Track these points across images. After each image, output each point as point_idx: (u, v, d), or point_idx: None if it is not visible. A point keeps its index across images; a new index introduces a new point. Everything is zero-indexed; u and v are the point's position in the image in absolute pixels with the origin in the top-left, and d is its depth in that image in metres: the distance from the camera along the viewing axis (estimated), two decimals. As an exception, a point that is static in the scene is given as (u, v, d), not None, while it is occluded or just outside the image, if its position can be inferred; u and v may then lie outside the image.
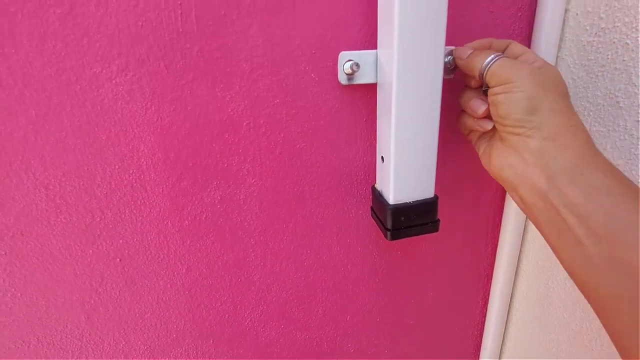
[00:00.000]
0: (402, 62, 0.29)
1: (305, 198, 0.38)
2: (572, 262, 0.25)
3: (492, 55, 0.28)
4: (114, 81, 0.30)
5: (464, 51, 0.31)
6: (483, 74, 0.29)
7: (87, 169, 0.32)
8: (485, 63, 0.28)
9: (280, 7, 0.31)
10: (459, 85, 0.35)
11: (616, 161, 0.34)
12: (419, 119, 0.31)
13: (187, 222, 0.36)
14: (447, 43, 0.30)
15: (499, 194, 0.45)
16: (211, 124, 0.33)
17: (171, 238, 0.36)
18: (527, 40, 0.38)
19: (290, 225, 0.39)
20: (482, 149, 0.32)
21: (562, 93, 0.27)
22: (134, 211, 0.34)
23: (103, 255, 0.35)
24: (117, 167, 0.32)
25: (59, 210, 0.32)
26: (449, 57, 0.33)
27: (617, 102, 0.33)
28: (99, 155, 0.31)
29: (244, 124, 0.33)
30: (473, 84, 0.32)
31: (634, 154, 0.33)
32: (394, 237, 0.33)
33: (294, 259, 0.40)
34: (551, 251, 0.27)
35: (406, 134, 0.31)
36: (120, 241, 0.35)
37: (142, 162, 0.32)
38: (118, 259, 0.35)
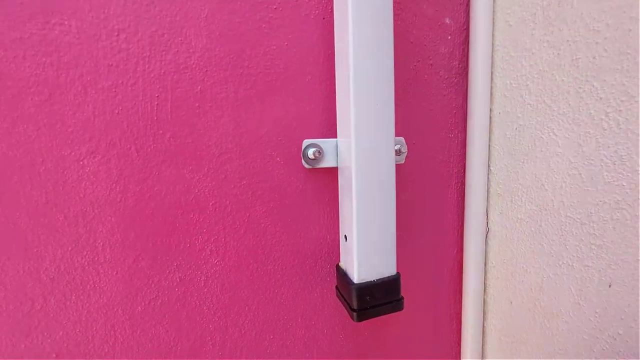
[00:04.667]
0: (359, 149, 0.32)
1: (270, 278, 0.37)
2: None
3: None
4: (80, 162, 0.30)
5: None
6: None
7: (36, 250, 0.30)
8: None
9: (250, 102, 0.35)
10: (409, 169, 0.39)
11: (545, 238, 0.38)
12: (377, 199, 0.33)
13: (140, 308, 0.33)
14: (397, 134, 0.34)
15: (457, 270, 0.47)
16: (177, 204, 0.33)
17: (119, 328, 0.33)
18: (463, 132, 0.44)
19: (252, 307, 0.37)
20: None
21: None
22: (81, 297, 0.31)
23: (38, 350, 0.31)
24: (69, 248, 0.31)
25: (-7, 299, 0.29)
26: (398, 145, 0.38)
27: (543, 185, 0.38)
28: (52, 237, 0.30)
29: (210, 203, 0.34)
30: None
31: (564, 230, 0.37)
32: (361, 318, 0.33)
33: (255, 346, 0.38)
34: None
35: (366, 213, 0.33)
36: (60, 333, 0.31)
37: (99, 243, 0.31)
38: (54, 354, 0.31)
